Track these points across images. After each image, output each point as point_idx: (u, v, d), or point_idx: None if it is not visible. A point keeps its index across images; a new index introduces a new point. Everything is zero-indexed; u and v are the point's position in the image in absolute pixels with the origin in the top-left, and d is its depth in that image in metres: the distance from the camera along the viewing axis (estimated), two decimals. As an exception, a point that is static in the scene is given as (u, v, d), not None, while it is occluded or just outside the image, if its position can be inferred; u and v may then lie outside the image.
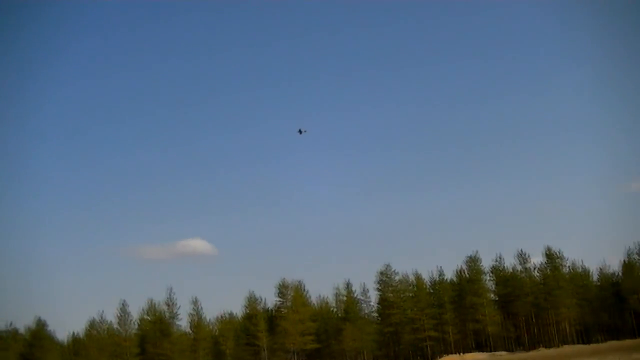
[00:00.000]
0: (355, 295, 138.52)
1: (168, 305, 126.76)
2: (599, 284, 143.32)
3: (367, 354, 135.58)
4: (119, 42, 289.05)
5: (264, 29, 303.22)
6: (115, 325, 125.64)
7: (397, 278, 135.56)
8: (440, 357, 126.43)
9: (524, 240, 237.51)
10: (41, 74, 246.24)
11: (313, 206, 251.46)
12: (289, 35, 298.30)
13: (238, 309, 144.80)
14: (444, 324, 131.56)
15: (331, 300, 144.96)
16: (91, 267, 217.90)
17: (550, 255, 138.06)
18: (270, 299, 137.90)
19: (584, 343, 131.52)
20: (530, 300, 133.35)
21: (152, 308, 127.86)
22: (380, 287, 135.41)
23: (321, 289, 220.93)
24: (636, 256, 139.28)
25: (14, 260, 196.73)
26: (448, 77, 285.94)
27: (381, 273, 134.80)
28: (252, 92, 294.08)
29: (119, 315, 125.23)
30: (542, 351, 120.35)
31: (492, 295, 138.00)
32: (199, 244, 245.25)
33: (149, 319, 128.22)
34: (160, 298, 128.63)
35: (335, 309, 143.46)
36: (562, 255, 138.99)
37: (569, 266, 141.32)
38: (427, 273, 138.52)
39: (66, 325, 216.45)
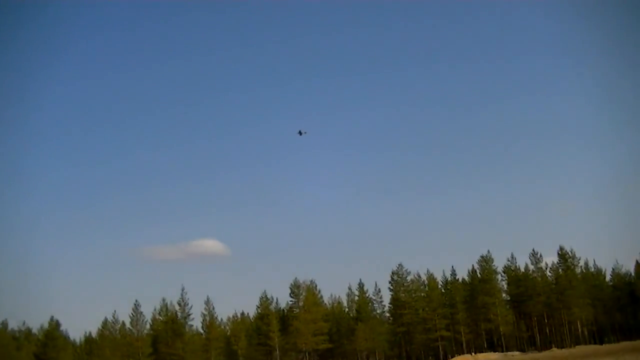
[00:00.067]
0: (367, 295, 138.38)
1: (180, 305, 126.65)
2: (612, 283, 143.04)
3: (379, 353, 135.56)
4: (119, 42, 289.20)
5: (264, 29, 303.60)
6: (128, 325, 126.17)
7: (409, 278, 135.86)
8: (452, 357, 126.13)
9: (537, 240, 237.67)
10: (41, 74, 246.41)
11: (324, 207, 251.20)
12: (289, 36, 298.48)
13: (250, 309, 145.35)
14: (457, 323, 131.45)
15: (343, 300, 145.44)
16: (104, 267, 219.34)
17: (563, 255, 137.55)
18: (282, 299, 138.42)
19: (596, 343, 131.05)
20: (543, 300, 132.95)
21: (164, 308, 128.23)
22: (392, 287, 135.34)
23: (334, 289, 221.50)
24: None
25: (28, 260, 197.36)
26: (452, 77, 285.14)
27: (393, 273, 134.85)
28: (254, 93, 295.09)
29: (131, 315, 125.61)
30: (555, 351, 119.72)
31: (504, 295, 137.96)
32: (211, 244, 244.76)
33: (162, 319, 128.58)
34: (173, 298, 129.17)
35: (347, 309, 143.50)
36: (575, 255, 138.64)
37: (581, 266, 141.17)
38: (440, 273, 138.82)
39: (79, 325, 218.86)
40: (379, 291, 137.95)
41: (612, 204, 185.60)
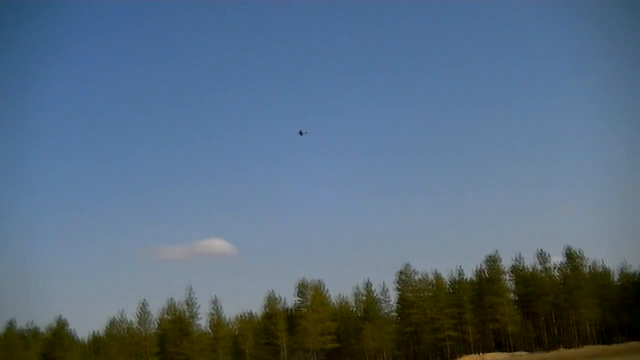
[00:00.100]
0: (374, 294, 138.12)
1: (188, 304, 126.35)
2: (620, 283, 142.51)
3: (387, 353, 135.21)
4: (119, 42, 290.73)
5: (264, 30, 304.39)
6: (136, 325, 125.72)
7: (416, 278, 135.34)
8: (459, 357, 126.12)
9: (544, 240, 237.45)
10: (41, 74, 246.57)
11: (331, 207, 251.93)
12: (290, 37, 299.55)
13: (258, 309, 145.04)
14: (464, 323, 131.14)
15: (351, 299, 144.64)
16: (112, 267, 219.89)
17: (570, 255, 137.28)
18: (289, 299, 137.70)
19: (604, 343, 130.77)
20: (550, 300, 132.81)
21: (172, 307, 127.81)
22: (399, 287, 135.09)
23: (341, 288, 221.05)
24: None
25: (35, 260, 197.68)
26: (454, 78, 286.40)
27: (401, 272, 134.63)
28: (254, 93, 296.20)
29: (139, 314, 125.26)
30: (562, 351, 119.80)
31: (511, 295, 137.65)
32: (219, 244, 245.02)
33: (169, 318, 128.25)
34: (180, 298, 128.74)
35: (354, 309, 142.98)
36: (583, 255, 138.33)
37: (589, 266, 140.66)
38: (447, 273, 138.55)
39: (87, 324, 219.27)
40: (386, 291, 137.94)
41: (620, 203, 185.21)
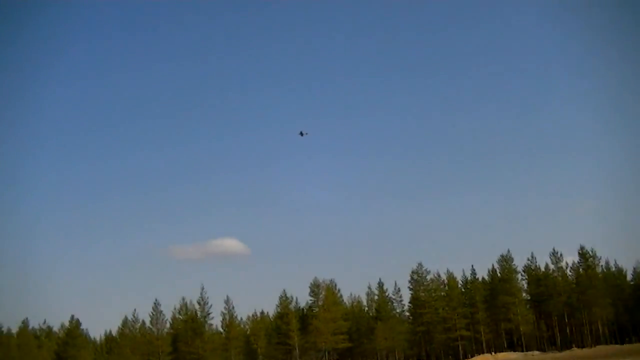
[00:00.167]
0: (387, 294, 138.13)
1: (200, 304, 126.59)
2: (633, 283, 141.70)
3: (399, 353, 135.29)
4: (119, 43, 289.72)
5: (265, 31, 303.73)
6: (148, 324, 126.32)
7: (429, 277, 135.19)
8: (472, 357, 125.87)
9: (557, 240, 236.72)
10: (41, 74, 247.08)
11: (345, 207, 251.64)
12: (291, 39, 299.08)
13: (270, 308, 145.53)
14: (476, 323, 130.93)
15: (363, 299, 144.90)
16: (125, 267, 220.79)
17: (583, 255, 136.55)
18: (302, 298, 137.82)
19: (617, 343, 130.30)
20: (563, 300, 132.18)
21: (184, 307, 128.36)
22: (412, 287, 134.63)
23: (353, 288, 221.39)
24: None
25: (49, 260, 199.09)
26: (457, 79, 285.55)
27: (413, 272, 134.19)
28: (254, 93, 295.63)
29: (151, 314, 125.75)
30: (575, 351, 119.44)
31: (524, 294, 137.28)
32: (231, 244, 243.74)
33: (182, 318, 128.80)
34: (192, 297, 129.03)
35: (367, 308, 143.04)
36: (596, 254, 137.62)
37: (602, 265, 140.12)
38: (459, 273, 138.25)
39: (100, 324, 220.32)
40: (399, 290, 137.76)
41: (634, 203, 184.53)
